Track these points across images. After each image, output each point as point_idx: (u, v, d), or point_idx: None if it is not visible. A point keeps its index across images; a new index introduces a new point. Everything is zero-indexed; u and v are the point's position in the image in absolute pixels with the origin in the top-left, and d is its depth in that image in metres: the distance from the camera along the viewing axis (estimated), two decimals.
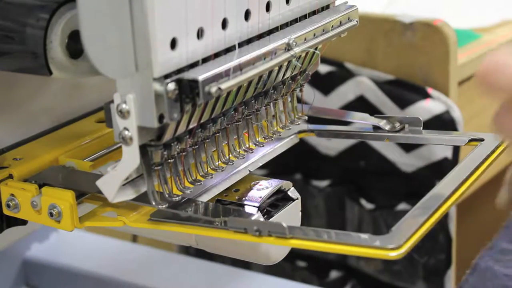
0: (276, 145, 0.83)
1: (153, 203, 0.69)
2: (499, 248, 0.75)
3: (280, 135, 0.82)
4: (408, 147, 1.32)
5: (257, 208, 0.73)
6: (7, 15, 0.72)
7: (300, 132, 0.86)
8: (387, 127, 0.84)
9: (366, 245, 0.63)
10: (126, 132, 0.65)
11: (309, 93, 0.92)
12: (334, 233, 0.65)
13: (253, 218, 0.67)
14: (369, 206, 1.38)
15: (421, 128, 0.84)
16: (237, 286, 1.13)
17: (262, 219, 0.67)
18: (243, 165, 0.78)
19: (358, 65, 1.36)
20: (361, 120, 0.86)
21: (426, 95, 1.29)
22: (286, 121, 0.83)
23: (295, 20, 0.76)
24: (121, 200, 0.70)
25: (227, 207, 0.71)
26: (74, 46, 0.72)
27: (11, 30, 0.72)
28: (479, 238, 1.00)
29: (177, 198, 0.70)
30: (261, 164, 0.80)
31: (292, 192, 0.76)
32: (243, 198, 0.74)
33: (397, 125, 0.84)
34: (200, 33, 0.66)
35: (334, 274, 1.44)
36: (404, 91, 1.31)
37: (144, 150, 0.67)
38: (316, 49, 0.79)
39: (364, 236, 0.64)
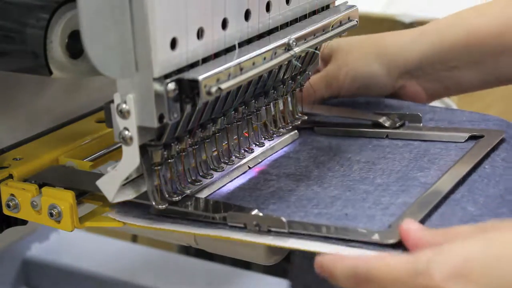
0: (276, 141, 0.83)
1: (153, 203, 0.69)
2: None
3: (280, 134, 0.82)
4: None
5: None
6: (7, 15, 0.72)
7: (300, 128, 0.86)
8: (387, 124, 0.84)
9: (364, 240, 0.63)
10: (126, 132, 0.65)
11: None
12: (333, 227, 0.65)
13: (252, 213, 0.67)
14: None
15: (421, 124, 0.84)
16: (237, 286, 1.13)
17: (261, 214, 0.67)
18: (243, 161, 0.79)
19: None
20: (361, 117, 0.86)
21: None
22: (286, 121, 0.82)
23: (295, 20, 0.76)
24: (121, 200, 0.70)
25: (227, 202, 0.71)
26: (74, 46, 0.72)
27: (11, 30, 0.72)
28: None
29: (177, 198, 0.70)
30: (261, 161, 0.80)
31: None
32: None
33: (397, 121, 0.85)
34: (200, 33, 0.66)
35: None
36: None
37: (144, 150, 0.67)
38: (316, 49, 0.78)
39: (362, 230, 0.64)
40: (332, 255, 0.61)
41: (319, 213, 0.68)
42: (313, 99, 0.90)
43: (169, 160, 0.69)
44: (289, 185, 0.74)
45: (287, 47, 0.71)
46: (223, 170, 0.76)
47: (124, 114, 0.64)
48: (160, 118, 0.64)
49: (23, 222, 0.78)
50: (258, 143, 0.79)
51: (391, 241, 0.62)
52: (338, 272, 0.60)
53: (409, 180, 0.73)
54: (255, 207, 0.69)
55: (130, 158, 0.66)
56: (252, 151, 0.79)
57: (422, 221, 0.65)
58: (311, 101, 0.90)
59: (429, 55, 0.88)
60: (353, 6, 0.80)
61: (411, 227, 0.62)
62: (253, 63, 0.68)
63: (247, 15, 0.70)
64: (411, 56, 0.88)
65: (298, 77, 0.81)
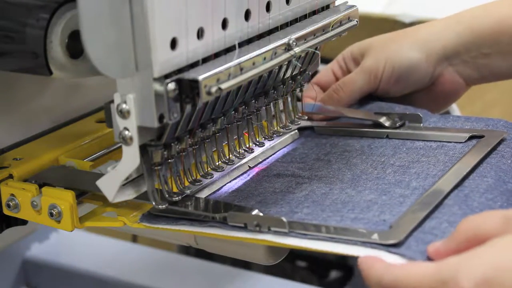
0: (276, 141, 0.83)
1: (153, 203, 0.69)
2: None
3: (280, 135, 0.82)
4: None
5: None
6: (7, 15, 0.72)
7: (300, 128, 0.86)
8: (387, 124, 0.84)
9: (363, 240, 0.63)
10: (126, 132, 0.65)
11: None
12: (333, 227, 0.65)
13: (253, 213, 0.67)
14: None
15: (421, 124, 0.84)
16: (237, 286, 1.13)
17: (261, 214, 0.67)
18: (243, 161, 0.79)
19: None
20: (361, 117, 0.86)
21: None
22: (286, 121, 0.83)
23: (295, 20, 0.76)
24: (121, 200, 0.70)
25: (227, 202, 0.71)
26: (74, 46, 0.72)
27: (11, 30, 0.72)
28: None
29: (177, 198, 0.70)
30: (261, 160, 0.80)
31: None
32: None
33: (397, 121, 0.84)
34: (200, 33, 0.66)
35: (334, 274, 1.44)
36: None
37: (144, 150, 0.67)
38: (316, 49, 0.78)
39: (362, 230, 0.64)
40: (368, 258, 0.61)
41: (356, 217, 0.67)
42: (352, 95, 0.89)
43: (169, 160, 0.69)
44: (322, 188, 0.74)
45: (287, 47, 0.71)
46: (223, 170, 0.76)
47: (124, 114, 0.64)
48: (160, 118, 0.64)
49: (23, 222, 0.78)
50: (258, 143, 0.79)
51: (391, 241, 0.62)
52: (369, 278, 0.60)
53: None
54: (289, 211, 0.69)
55: (130, 158, 0.66)
56: (252, 151, 0.79)
57: (423, 221, 0.65)
58: (350, 98, 0.89)
59: (464, 41, 0.87)
60: (353, 6, 0.80)
61: (436, 244, 0.61)
62: (253, 63, 0.68)
63: (247, 15, 0.70)
64: (447, 41, 0.88)
65: (298, 77, 0.81)
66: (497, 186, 0.71)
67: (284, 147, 0.83)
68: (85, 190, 0.74)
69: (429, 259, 0.61)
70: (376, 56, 0.89)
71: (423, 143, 0.81)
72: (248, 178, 0.77)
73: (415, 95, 0.91)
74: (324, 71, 0.93)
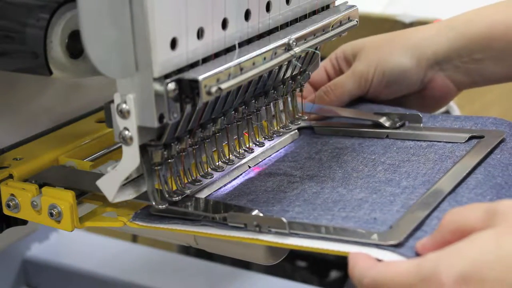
0: (276, 141, 0.83)
1: (153, 203, 0.69)
2: None
3: (280, 135, 0.82)
4: None
5: None
6: (7, 15, 0.72)
7: (299, 128, 0.86)
8: (387, 124, 0.84)
9: (362, 241, 0.63)
10: (126, 132, 0.65)
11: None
12: (333, 228, 0.65)
13: (253, 213, 0.67)
14: None
15: (421, 124, 0.84)
16: (237, 286, 1.13)
17: (261, 214, 0.67)
18: (243, 161, 0.79)
19: None
20: (361, 117, 0.86)
21: None
22: (286, 121, 0.83)
23: (295, 20, 0.76)
24: (121, 200, 0.70)
25: (227, 203, 0.71)
26: (74, 46, 0.72)
27: (11, 30, 0.72)
28: None
29: (177, 198, 0.70)
30: (261, 160, 0.80)
31: None
32: None
33: (397, 121, 0.84)
34: (200, 33, 0.66)
35: (334, 274, 1.44)
36: None
37: (144, 150, 0.67)
38: (316, 49, 0.79)
39: (361, 231, 0.64)
40: (355, 255, 0.61)
41: (347, 216, 0.67)
42: (342, 98, 0.90)
43: (169, 160, 0.69)
44: (313, 187, 0.74)
45: (287, 47, 0.71)
46: (223, 170, 0.76)
47: (124, 114, 0.64)
48: (160, 118, 0.64)
49: (23, 222, 0.78)
50: (258, 143, 0.79)
51: (391, 242, 0.62)
52: (353, 276, 0.60)
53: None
54: (280, 209, 0.69)
55: (130, 158, 0.66)
56: (252, 151, 0.79)
57: (423, 221, 0.65)
58: (339, 100, 0.90)
59: (455, 47, 0.88)
60: (353, 6, 0.80)
61: (423, 240, 0.61)
62: (253, 63, 0.68)
63: (247, 15, 0.70)
64: (439, 47, 0.88)
65: (298, 77, 0.81)
66: (487, 181, 0.71)
67: (284, 147, 0.83)
68: (85, 190, 0.74)
69: (418, 255, 0.61)
70: (367, 60, 0.89)
71: (413, 142, 0.81)
72: (241, 177, 0.77)
73: (406, 98, 0.91)
74: (317, 70, 0.93)
